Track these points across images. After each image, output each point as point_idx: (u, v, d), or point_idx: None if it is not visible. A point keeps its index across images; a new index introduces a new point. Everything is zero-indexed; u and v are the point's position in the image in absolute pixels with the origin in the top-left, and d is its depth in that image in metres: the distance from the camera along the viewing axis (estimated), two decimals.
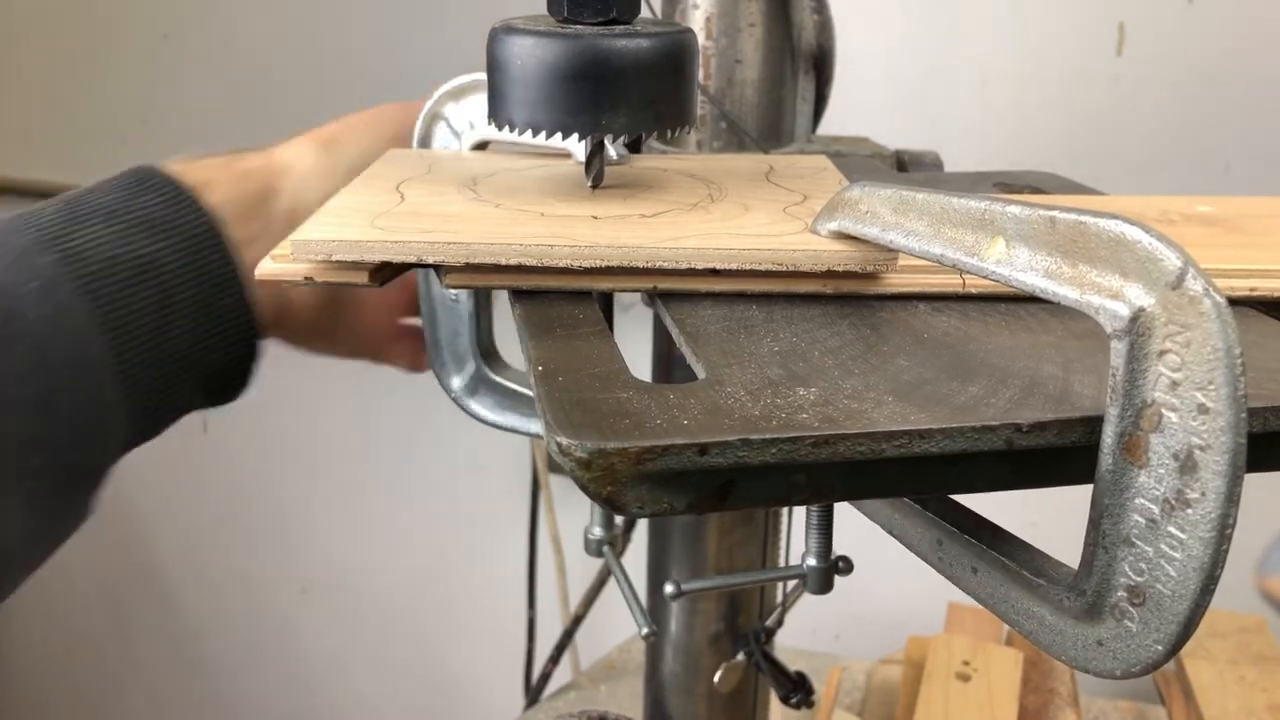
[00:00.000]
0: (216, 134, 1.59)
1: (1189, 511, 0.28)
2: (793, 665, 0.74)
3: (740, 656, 0.73)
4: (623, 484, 0.30)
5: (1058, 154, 1.00)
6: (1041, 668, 1.10)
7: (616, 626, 1.21)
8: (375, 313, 0.61)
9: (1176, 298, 0.28)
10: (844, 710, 1.12)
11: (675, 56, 0.44)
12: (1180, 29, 1.17)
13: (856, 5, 1.19)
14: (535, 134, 0.44)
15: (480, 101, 0.56)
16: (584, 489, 0.30)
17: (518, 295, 0.41)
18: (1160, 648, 0.29)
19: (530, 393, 0.59)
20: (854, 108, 0.79)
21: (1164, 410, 0.28)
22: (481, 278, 0.42)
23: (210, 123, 1.58)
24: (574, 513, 1.45)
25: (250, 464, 1.72)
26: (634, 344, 0.54)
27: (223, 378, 0.52)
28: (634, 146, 0.58)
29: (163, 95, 1.60)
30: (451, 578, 1.70)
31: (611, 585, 1.18)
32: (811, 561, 0.60)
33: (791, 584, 0.70)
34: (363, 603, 1.76)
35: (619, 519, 0.73)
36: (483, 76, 0.48)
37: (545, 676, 1.32)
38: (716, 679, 0.72)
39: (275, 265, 0.41)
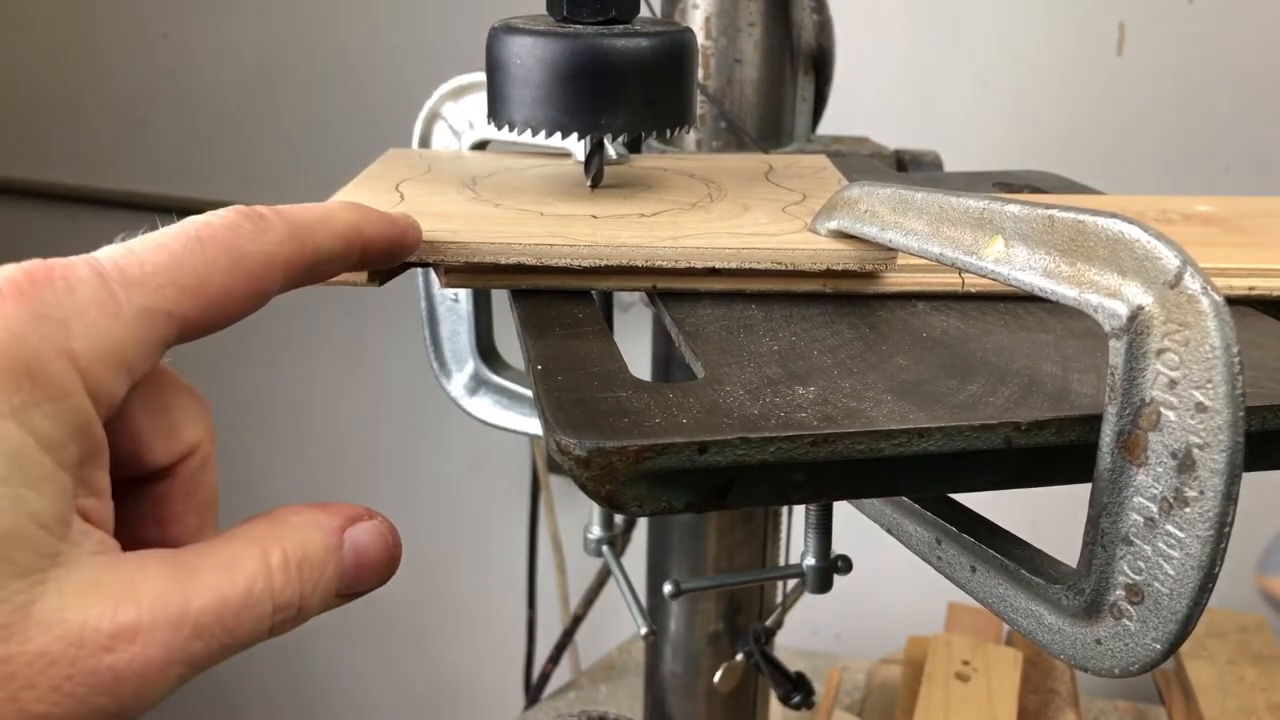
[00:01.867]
0: (216, 134, 1.59)
1: (1187, 510, 0.28)
2: (793, 665, 0.74)
3: (740, 657, 0.73)
4: (622, 483, 0.30)
5: (1058, 154, 1.00)
6: (1041, 667, 1.10)
7: (616, 626, 1.21)
8: None
9: (1175, 296, 0.28)
10: (844, 710, 1.12)
11: (674, 56, 0.44)
12: (1180, 29, 1.17)
13: (856, 5, 1.19)
14: (534, 133, 0.44)
15: (479, 101, 0.56)
16: (583, 488, 0.30)
17: (517, 295, 0.41)
18: (1159, 646, 0.29)
19: (530, 392, 0.59)
20: (854, 108, 0.79)
21: (1162, 409, 0.28)
22: (481, 277, 0.42)
23: (210, 122, 1.58)
24: (574, 513, 1.45)
25: (250, 464, 1.72)
26: (634, 344, 0.54)
27: None
28: (633, 146, 0.58)
29: (162, 95, 1.60)
30: (451, 578, 1.70)
31: (611, 585, 1.18)
32: (811, 561, 0.60)
33: (791, 583, 0.70)
34: (362, 602, 1.76)
35: (618, 519, 0.73)
36: (481, 76, 0.48)
37: (545, 676, 1.32)
38: (716, 679, 0.72)
39: None
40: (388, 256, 0.38)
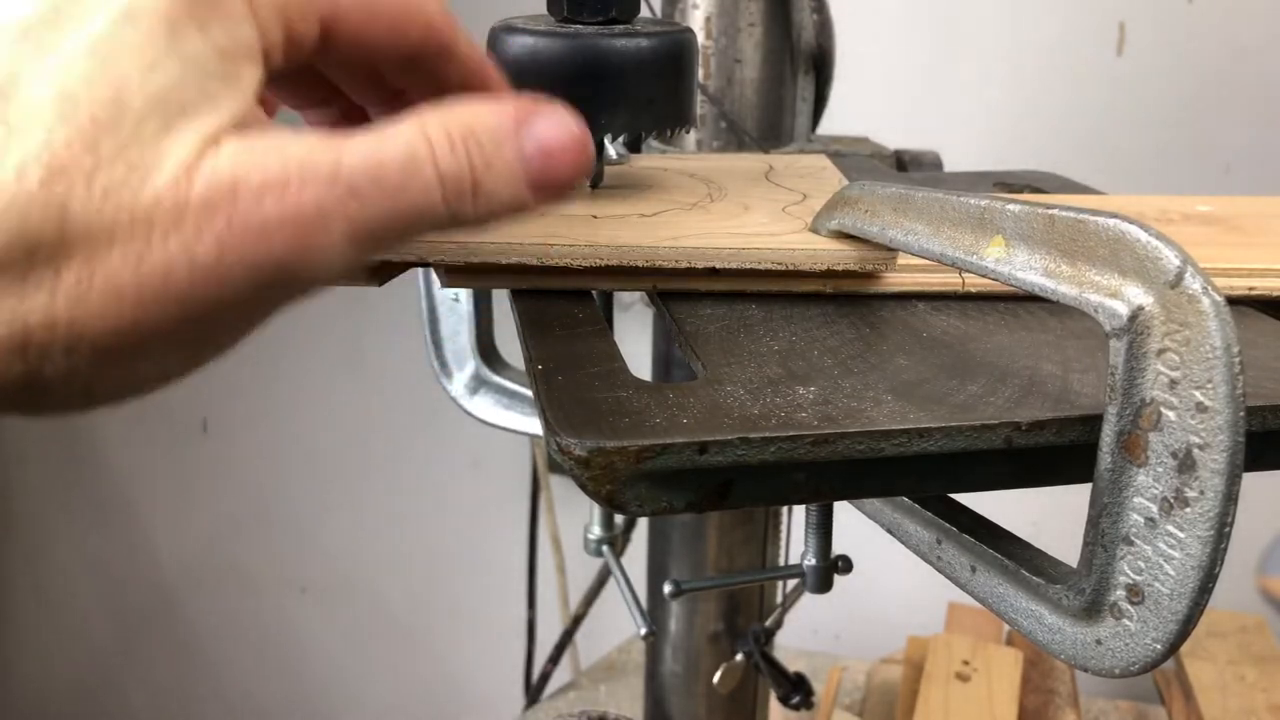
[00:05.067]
0: None
1: (1188, 510, 0.28)
2: (793, 665, 0.74)
3: (739, 657, 0.73)
4: (622, 483, 0.30)
5: (1058, 154, 1.00)
6: (1041, 667, 1.10)
7: (616, 626, 1.21)
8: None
9: (1175, 296, 0.28)
10: (844, 710, 1.12)
11: (675, 56, 0.44)
12: (1180, 29, 1.17)
13: (856, 5, 1.19)
14: None
15: None
16: (583, 488, 0.30)
17: (517, 295, 0.41)
18: (1159, 646, 0.29)
19: (530, 392, 0.59)
20: (854, 108, 0.79)
21: (1163, 409, 0.28)
22: (481, 277, 0.42)
23: None
24: (574, 513, 1.45)
25: (250, 464, 1.72)
26: (634, 343, 0.54)
27: None
28: (633, 146, 0.58)
29: None
30: (451, 578, 1.70)
31: (611, 585, 1.18)
32: (811, 561, 0.60)
33: (791, 583, 0.70)
34: (363, 603, 1.76)
35: (619, 519, 0.73)
36: None
37: (545, 676, 1.32)
38: (716, 680, 0.72)
39: None
40: (466, 86, 0.37)
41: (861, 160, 0.66)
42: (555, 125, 0.31)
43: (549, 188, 0.31)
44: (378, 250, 0.30)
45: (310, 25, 0.32)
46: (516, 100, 0.31)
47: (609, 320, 0.58)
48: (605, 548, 0.71)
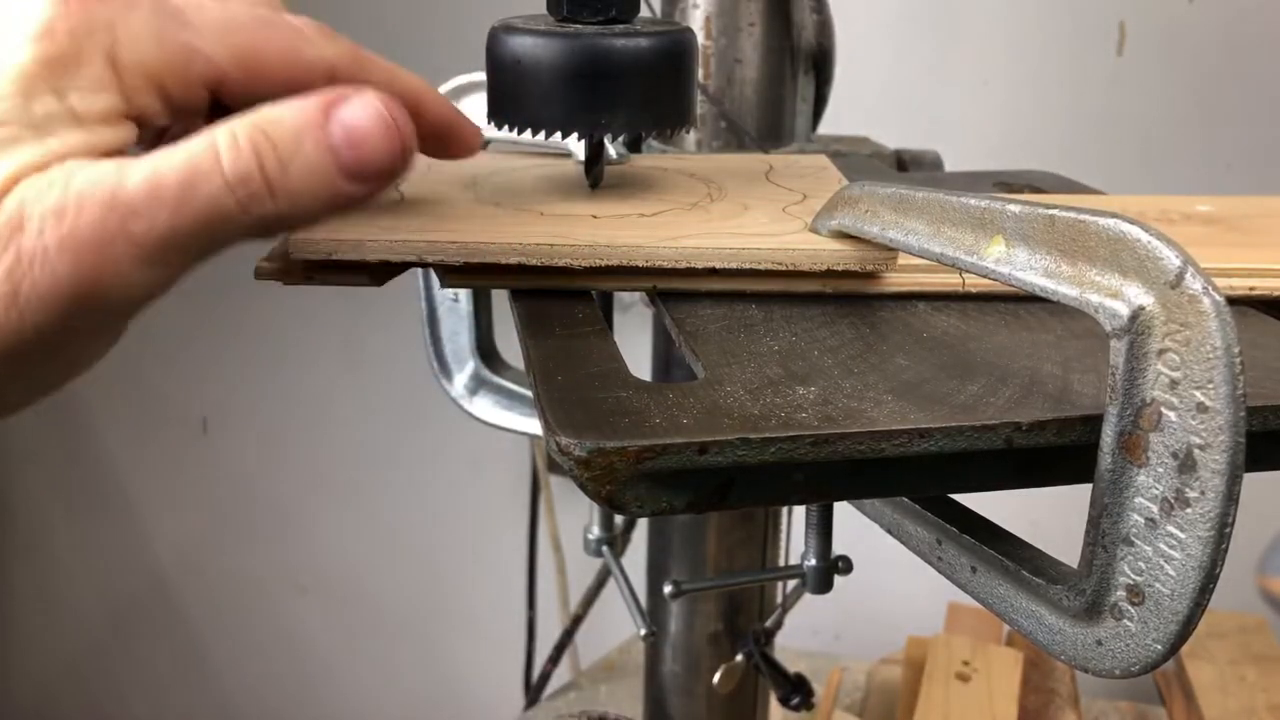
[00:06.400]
0: None
1: (1188, 510, 0.28)
2: (793, 665, 0.74)
3: (739, 657, 0.73)
4: (622, 483, 0.30)
5: (1058, 154, 0.99)
6: (1041, 668, 1.10)
7: (616, 626, 1.21)
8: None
9: (1176, 296, 0.28)
10: (844, 710, 1.12)
11: (674, 56, 0.44)
12: (1180, 29, 1.17)
13: (856, 5, 1.19)
14: (535, 133, 0.44)
15: (480, 101, 0.56)
16: (583, 488, 0.30)
17: (517, 295, 0.41)
18: (1159, 647, 0.29)
19: (530, 393, 0.59)
20: (854, 108, 0.79)
21: (1163, 409, 0.28)
22: (481, 278, 0.42)
23: None
24: (574, 513, 1.45)
25: (250, 464, 1.72)
26: (634, 344, 0.54)
27: None
28: (633, 146, 0.58)
29: None
30: (451, 578, 1.70)
31: (611, 585, 1.18)
32: (811, 561, 0.60)
33: (791, 584, 0.70)
34: (363, 603, 1.76)
35: (618, 519, 0.73)
36: (482, 76, 0.48)
37: (545, 676, 1.32)
38: (716, 680, 0.72)
39: (273, 265, 0.41)
40: (437, 137, 0.39)
41: (861, 160, 0.66)
42: (362, 110, 0.31)
43: (366, 175, 0.31)
44: (187, 262, 0.30)
45: (194, 90, 0.32)
46: (324, 91, 0.31)
47: (609, 320, 0.58)
48: (605, 548, 0.71)
